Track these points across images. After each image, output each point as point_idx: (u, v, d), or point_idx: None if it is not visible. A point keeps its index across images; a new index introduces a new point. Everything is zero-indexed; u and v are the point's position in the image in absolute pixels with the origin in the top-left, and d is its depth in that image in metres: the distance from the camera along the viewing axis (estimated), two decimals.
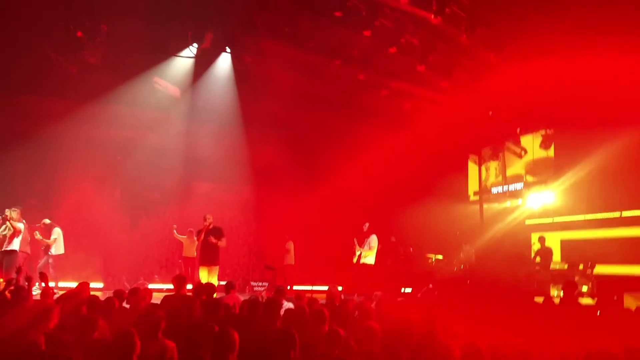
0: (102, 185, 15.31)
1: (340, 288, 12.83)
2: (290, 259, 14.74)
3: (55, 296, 7.17)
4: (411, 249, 14.14)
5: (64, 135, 13.80)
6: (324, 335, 4.81)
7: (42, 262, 11.86)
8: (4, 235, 10.77)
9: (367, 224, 13.16)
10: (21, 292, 6.17)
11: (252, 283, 14.89)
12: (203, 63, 13.88)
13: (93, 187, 14.93)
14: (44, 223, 12.10)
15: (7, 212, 10.90)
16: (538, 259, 13.14)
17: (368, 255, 12.78)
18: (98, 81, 12.77)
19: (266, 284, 14.72)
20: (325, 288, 10.48)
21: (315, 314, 5.55)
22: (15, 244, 10.80)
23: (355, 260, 12.88)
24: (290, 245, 14.84)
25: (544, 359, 4.74)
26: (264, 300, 7.42)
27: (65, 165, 14.11)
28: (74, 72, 12.10)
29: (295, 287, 13.76)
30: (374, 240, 12.84)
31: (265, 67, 13.48)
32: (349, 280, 13.38)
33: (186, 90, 14.57)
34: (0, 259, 10.76)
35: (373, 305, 7.45)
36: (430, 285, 13.88)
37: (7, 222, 10.79)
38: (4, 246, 10.77)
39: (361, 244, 12.86)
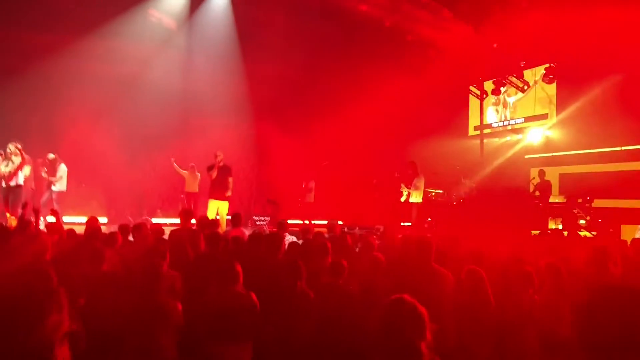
0: (100, 120, 15.19)
1: (340, 222, 13.04)
2: (311, 197, 14.77)
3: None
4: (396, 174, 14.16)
5: (58, 71, 13.57)
6: (327, 266, 4.91)
7: (45, 197, 11.88)
8: (8, 172, 10.69)
9: (395, 174, 13.34)
10: (29, 226, 6.22)
11: (254, 217, 15.04)
12: None
13: (91, 123, 14.82)
14: (48, 158, 12.04)
15: (10, 146, 10.78)
16: (537, 193, 13.25)
17: (415, 194, 13.04)
18: (91, 14, 12.46)
19: (267, 219, 14.88)
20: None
21: (318, 247, 5.66)
22: (20, 179, 10.73)
23: (403, 199, 13.12)
24: (312, 184, 14.83)
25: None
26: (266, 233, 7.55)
27: (62, 101, 13.94)
28: (67, 5, 11.77)
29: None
30: (420, 180, 13.06)
31: None
32: (351, 214, 13.53)
33: (183, 23, 14.22)
34: (6, 194, 10.71)
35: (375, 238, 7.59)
36: (429, 219, 14.09)
37: (12, 157, 10.67)
38: (9, 181, 10.71)
39: (409, 184, 13.07)
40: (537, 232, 11.42)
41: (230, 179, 11.44)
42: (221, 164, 11.40)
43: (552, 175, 14.45)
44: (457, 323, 4.35)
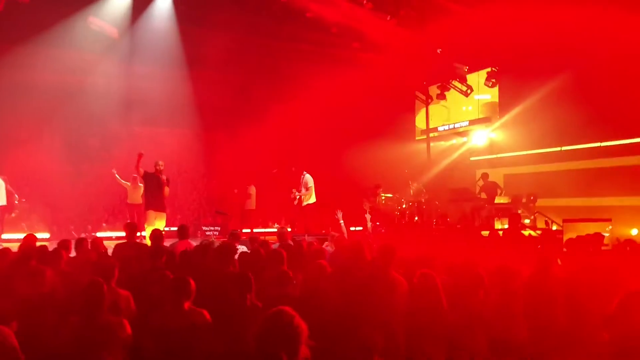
0: (41, 132, 14.65)
1: (289, 229, 12.93)
2: (252, 203, 14.37)
3: None
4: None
5: None
6: (275, 276, 4.84)
7: None
8: None
9: (292, 168, 13.09)
10: None
11: (204, 228, 14.77)
12: (142, 1, 13.19)
13: (31, 134, 14.28)
14: None
15: None
16: (483, 195, 13.56)
17: (308, 196, 12.64)
18: (28, 21, 11.99)
19: (218, 229, 14.64)
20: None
21: (272, 256, 5.58)
22: None
23: (296, 202, 12.81)
24: (252, 190, 14.39)
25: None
26: (216, 245, 7.36)
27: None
28: (3, 13, 11.30)
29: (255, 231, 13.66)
30: (309, 180, 12.62)
31: (207, 3, 12.95)
32: (298, 221, 13.40)
33: (125, 31, 13.86)
34: None
35: (326, 245, 7.55)
36: (378, 223, 14.12)
37: None
38: None
39: (297, 187, 12.76)
40: (486, 232, 11.68)
41: (167, 189, 10.81)
42: (162, 175, 10.73)
43: (498, 176, 14.83)
44: (409, 328, 4.34)
